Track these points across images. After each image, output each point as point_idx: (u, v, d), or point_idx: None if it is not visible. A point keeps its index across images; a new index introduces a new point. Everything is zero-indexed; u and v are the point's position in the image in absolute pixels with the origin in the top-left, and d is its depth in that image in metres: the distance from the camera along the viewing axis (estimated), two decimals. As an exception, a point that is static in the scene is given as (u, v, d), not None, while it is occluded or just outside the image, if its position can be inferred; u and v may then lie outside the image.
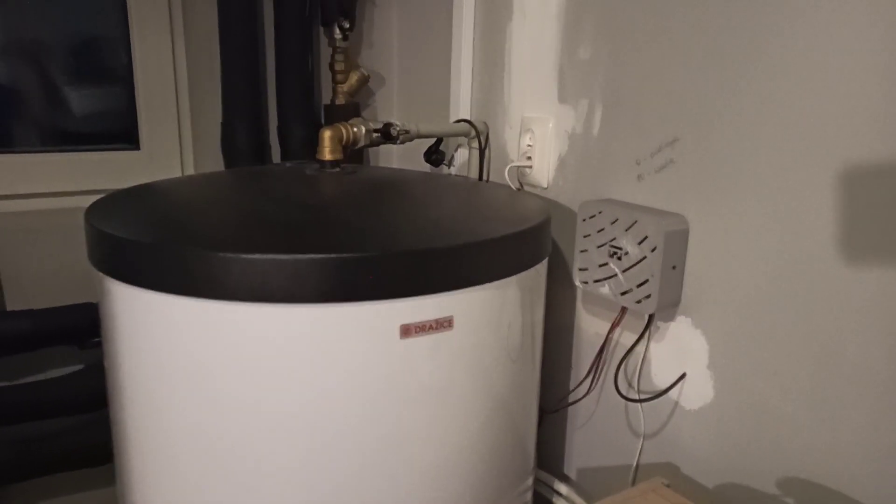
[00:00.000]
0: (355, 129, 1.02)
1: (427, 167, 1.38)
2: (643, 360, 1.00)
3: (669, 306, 0.94)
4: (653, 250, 0.90)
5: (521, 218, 0.89)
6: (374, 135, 1.05)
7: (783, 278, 0.80)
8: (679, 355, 0.94)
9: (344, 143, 1.01)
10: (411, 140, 1.12)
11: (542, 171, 1.15)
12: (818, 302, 0.77)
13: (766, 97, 0.80)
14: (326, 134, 0.99)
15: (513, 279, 0.83)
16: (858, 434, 0.75)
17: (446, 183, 1.12)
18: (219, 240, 0.73)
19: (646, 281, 0.91)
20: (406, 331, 0.73)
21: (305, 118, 1.52)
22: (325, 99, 1.62)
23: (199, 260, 0.69)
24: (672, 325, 0.95)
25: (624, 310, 1.00)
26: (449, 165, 1.37)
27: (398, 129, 1.06)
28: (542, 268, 0.92)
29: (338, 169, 1.02)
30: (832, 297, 0.76)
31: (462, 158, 1.36)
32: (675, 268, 0.91)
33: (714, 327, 0.89)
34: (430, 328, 0.74)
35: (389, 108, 1.63)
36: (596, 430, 1.11)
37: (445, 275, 0.74)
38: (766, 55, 0.79)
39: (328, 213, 0.84)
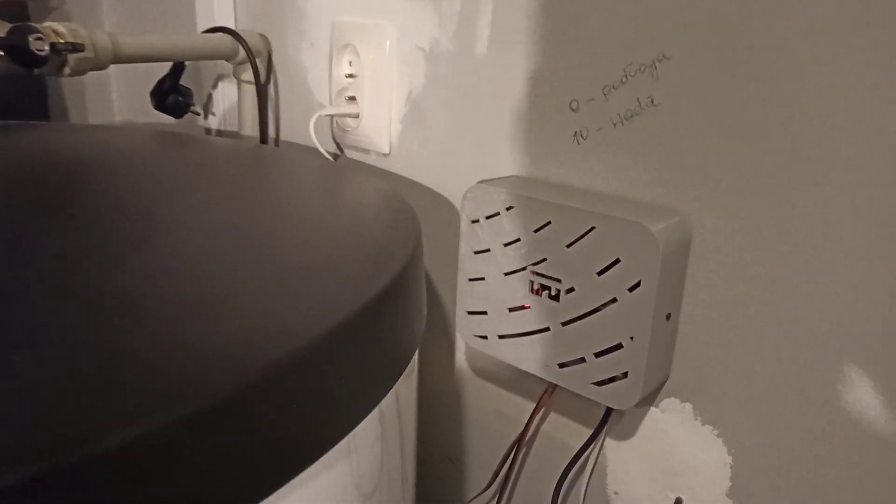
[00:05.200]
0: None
1: (162, 117, 0.81)
2: (592, 472, 0.58)
3: (656, 385, 0.51)
4: (633, 288, 0.46)
5: (367, 248, 0.40)
6: (-8, 52, 0.47)
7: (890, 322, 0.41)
8: (667, 468, 0.53)
9: None
10: (102, 66, 0.55)
11: (379, 125, 0.66)
12: None
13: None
14: None
15: (375, 411, 0.35)
16: None
17: (196, 159, 0.58)
18: None
19: (617, 346, 0.48)
20: None
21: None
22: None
23: None
24: (653, 414, 0.53)
25: (552, 388, 0.57)
26: (205, 114, 0.82)
27: (54, 39, 0.49)
28: (415, 354, 0.44)
29: None
30: None
31: (229, 101, 0.81)
32: (669, 317, 0.48)
33: (740, 421, 0.48)
34: None
35: (96, 12, 1.01)
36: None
37: (258, 461, 0.24)
38: None
39: None
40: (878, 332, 0.41)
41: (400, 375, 0.38)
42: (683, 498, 0.53)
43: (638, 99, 0.49)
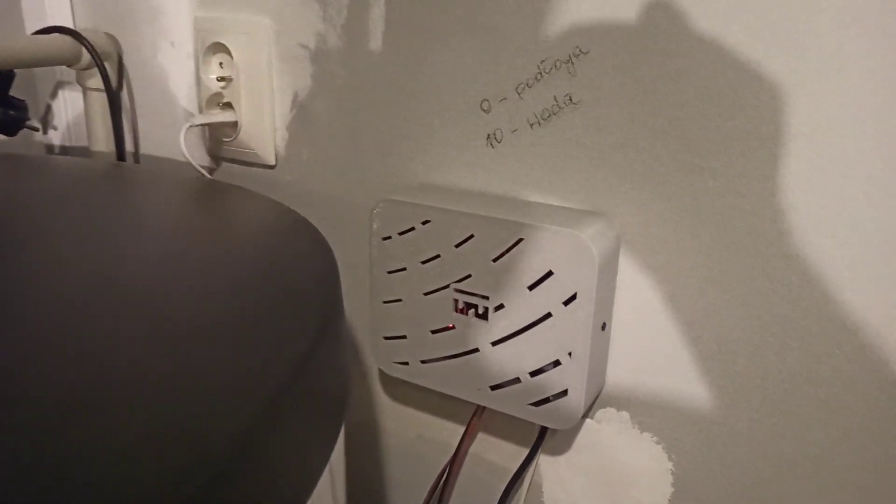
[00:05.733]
0: None
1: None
2: (527, 492, 0.55)
3: (593, 398, 0.49)
4: (569, 301, 0.43)
5: (280, 294, 0.34)
6: None
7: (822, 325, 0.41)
8: (606, 480, 0.51)
9: None
10: None
11: (261, 134, 0.59)
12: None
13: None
14: None
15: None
16: None
17: (41, 187, 0.49)
18: None
19: (555, 363, 0.45)
20: None
21: None
22: None
23: None
24: (589, 426, 0.51)
25: (481, 409, 0.53)
26: (45, 129, 0.70)
27: None
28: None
29: None
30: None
31: (74, 112, 0.70)
32: (604, 327, 0.46)
33: (679, 426, 0.47)
34: None
35: None
36: None
37: None
38: None
39: None
40: (810, 328, 0.41)
41: (336, 437, 0.33)
42: (626, 509, 0.51)
43: (555, 97, 0.46)
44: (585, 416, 0.51)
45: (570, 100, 0.45)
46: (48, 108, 0.70)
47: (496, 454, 0.56)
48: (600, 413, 0.50)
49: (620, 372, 0.48)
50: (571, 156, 0.46)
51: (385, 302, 0.51)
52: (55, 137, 0.70)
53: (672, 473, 0.48)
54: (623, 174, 0.45)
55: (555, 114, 0.46)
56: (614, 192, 0.45)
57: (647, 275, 0.46)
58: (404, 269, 0.49)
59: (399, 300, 0.50)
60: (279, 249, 0.39)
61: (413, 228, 0.48)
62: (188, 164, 0.59)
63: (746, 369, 0.44)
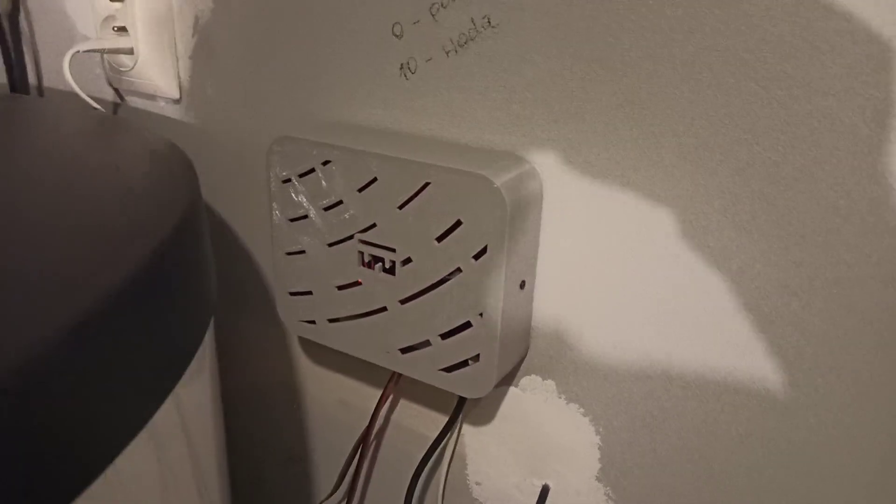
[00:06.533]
0: None
1: None
2: (450, 462, 0.51)
3: (514, 364, 0.44)
4: (479, 254, 0.38)
5: (122, 206, 0.29)
6: None
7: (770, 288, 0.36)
8: (532, 453, 0.47)
9: None
10: None
11: (162, 63, 0.52)
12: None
13: None
14: None
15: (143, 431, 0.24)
16: None
17: None
18: None
19: (465, 325, 0.40)
20: None
21: None
22: None
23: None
24: (513, 394, 0.46)
25: (396, 377, 0.48)
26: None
27: None
28: (210, 339, 0.34)
29: None
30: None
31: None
32: (523, 285, 0.41)
33: (607, 397, 0.43)
34: None
35: None
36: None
37: None
38: None
39: None
40: (761, 285, 0.36)
41: (179, 377, 0.28)
42: (551, 484, 0.47)
43: (472, 19, 0.40)
44: (508, 383, 0.46)
45: (489, 22, 0.39)
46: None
47: (417, 422, 0.51)
48: (525, 381, 0.45)
49: (545, 337, 0.43)
50: (491, 88, 0.40)
51: (288, 253, 0.46)
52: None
53: (599, 448, 0.44)
54: (550, 112, 0.39)
55: (472, 39, 0.40)
56: (539, 132, 0.40)
57: (575, 229, 0.40)
58: (306, 216, 0.44)
59: (303, 251, 0.45)
60: (134, 169, 0.33)
61: (313, 170, 0.42)
62: (78, 97, 0.53)
63: (684, 339, 0.39)
